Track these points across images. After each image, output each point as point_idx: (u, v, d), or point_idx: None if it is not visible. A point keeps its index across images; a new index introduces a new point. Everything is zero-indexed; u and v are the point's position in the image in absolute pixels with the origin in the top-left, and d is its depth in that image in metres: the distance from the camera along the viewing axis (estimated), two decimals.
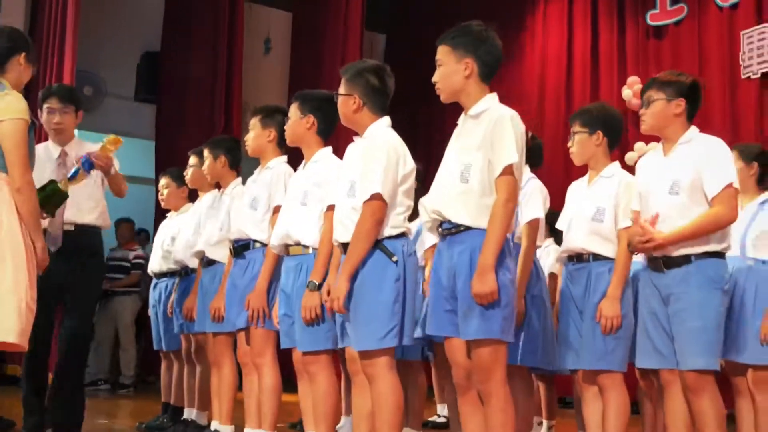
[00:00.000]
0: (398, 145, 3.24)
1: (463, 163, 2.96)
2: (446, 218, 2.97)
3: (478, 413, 2.96)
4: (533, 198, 4.04)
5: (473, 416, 3.00)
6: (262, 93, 9.44)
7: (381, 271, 3.10)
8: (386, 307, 3.08)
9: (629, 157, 7.60)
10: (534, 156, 4.21)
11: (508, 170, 2.91)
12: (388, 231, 3.15)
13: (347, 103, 3.30)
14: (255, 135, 4.07)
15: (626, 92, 8.18)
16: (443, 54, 3.07)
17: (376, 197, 3.09)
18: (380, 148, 3.17)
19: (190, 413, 4.92)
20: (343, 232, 3.18)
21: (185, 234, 4.88)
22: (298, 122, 3.70)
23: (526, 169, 4.16)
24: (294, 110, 3.73)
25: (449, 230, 2.98)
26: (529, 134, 4.19)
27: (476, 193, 2.92)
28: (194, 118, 9.02)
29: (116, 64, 9.75)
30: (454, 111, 3.15)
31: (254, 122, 4.11)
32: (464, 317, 2.90)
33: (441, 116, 9.90)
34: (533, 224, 3.98)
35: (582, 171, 3.99)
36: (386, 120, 3.33)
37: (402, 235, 3.19)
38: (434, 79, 3.08)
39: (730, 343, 3.75)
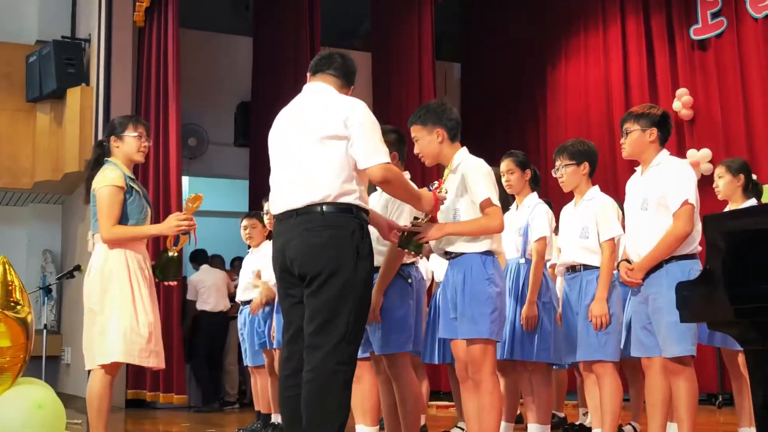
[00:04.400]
0: None
1: (454, 208, 3.67)
2: (446, 249, 3.69)
3: (474, 398, 3.63)
4: (540, 220, 4.72)
5: (470, 400, 3.69)
6: None
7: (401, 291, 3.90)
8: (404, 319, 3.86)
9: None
10: (537, 183, 4.95)
11: (487, 203, 3.56)
12: (406, 258, 3.91)
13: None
14: None
15: (676, 104, 8.69)
16: (417, 131, 3.70)
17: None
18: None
19: (276, 418, 5.78)
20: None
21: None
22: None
23: (534, 195, 4.88)
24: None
25: (451, 256, 3.72)
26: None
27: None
28: None
29: (216, 114, 10.87)
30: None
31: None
32: (459, 321, 3.62)
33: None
34: (541, 242, 4.68)
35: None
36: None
37: (413, 263, 3.97)
38: (416, 151, 3.72)
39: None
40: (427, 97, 9.72)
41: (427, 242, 3.61)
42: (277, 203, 3.30)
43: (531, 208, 4.78)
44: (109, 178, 4.04)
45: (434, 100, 3.81)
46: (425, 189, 3.58)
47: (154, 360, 4.01)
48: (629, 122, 3.95)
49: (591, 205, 4.34)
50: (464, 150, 3.76)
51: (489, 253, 3.63)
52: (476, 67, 11.76)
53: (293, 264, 3.22)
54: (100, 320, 3.98)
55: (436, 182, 3.60)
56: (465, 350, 3.67)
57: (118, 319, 3.95)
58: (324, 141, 3.18)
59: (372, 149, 3.19)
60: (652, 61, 9.03)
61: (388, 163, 3.21)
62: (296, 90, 3.51)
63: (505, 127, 10.95)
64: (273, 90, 10.08)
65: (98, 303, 3.98)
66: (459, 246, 3.64)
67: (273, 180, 3.37)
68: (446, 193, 3.55)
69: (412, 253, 3.64)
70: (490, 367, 3.58)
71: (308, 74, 3.44)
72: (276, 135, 3.39)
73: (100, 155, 4.23)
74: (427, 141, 3.70)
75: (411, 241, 3.55)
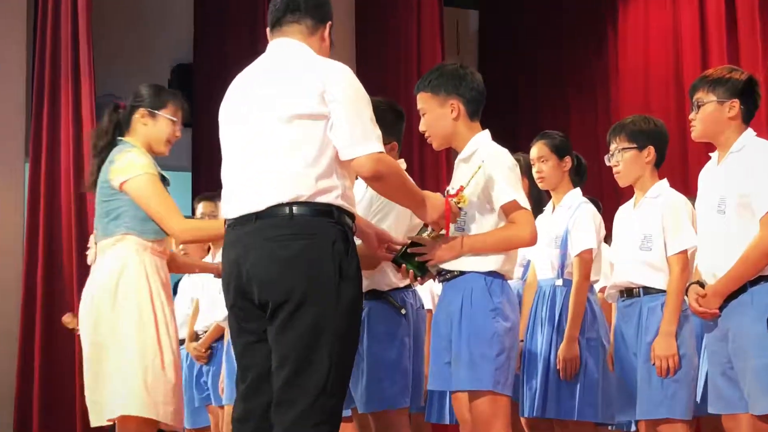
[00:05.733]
0: None
1: (462, 213, 3.65)
2: (442, 265, 3.68)
3: None
4: (584, 225, 4.74)
5: None
6: None
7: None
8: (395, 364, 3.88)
9: None
10: (582, 176, 4.99)
11: (513, 206, 3.62)
12: (393, 281, 3.93)
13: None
14: None
15: None
16: (425, 101, 3.79)
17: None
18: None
19: None
20: None
21: None
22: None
23: (577, 192, 4.91)
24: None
25: (445, 276, 3.71)
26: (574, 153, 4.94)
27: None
28: None
29: (142, 81, 10.78)
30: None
31: None
32: (453, 366, 3.61)
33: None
34: (585, 256, 4.68)
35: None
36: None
37: (408, 287, 3.98)
38: (421, 128, 3.80)
39: None
40: (429, 58, 9.66)
41: (434, 264, 3.65)
42: (232, 204, 3.34)
43: (572, 210, 4.82)
44: (141, 165, 4.14)
45: (451, 63, 3.89)
46: (435, 194, 3.60)
47: (177, 417, 4.09)
48: (702, 90, 3.98)
49: (656, 206, 4.38)
50: (485, 134, 3.81)
51: (496, 274, 3.67)
52: (500, 16, 11.70)
53: (252, 285, 3.23)
54: (112, 356, 4.04)
55: (457, 186, 3.61)
56: (468, 406, 3.68)
57: (137, 356, 4.03)
58: (294, 121, 3.21)
59: (360, 133, 3.22)
60: (733, 7, 8.98)
61: (382, 152, 3.25)
62: (256, 46, 3.48)
63: (536, 99, 10.96)
64: (223, 47, 10.03)
65: (109, 334, 4.06)
66: (456, 263, 3.66)
67: (225, 173, 3.40)
68: (465, 204, 3.57)
69: (414, 275, 3.67)
70: (502, 428, 3.60)
71: (268, 29, 3.50)
72: (229, 112, 3.43)
73: (115, 128, 4.33)
74: (437, 115, 3.76)
75: (412, 259, 3.60)
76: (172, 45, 10.89)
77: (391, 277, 3.98)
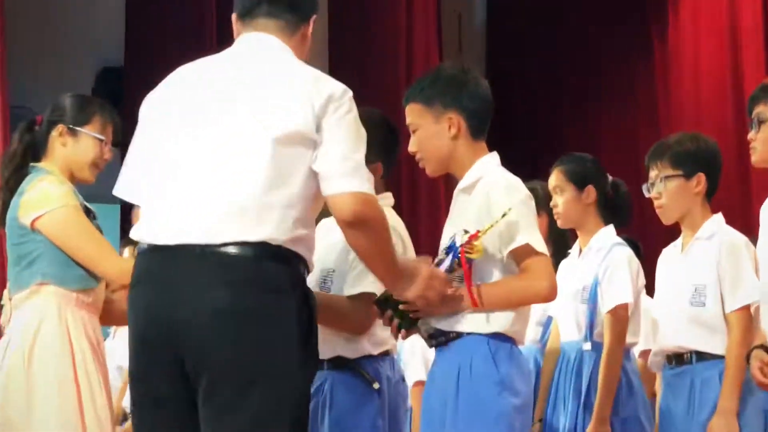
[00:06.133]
0: None
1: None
2: (435, 325, 3.65)
3: None
4: (618, 273, 4.72)
5: None
6: None
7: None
8: None
9: None
10: (620, 210, 4.96)
11: (527, 251, 3.57)
12: (365, 346, 3.89)
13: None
14: None
15: None
16: (416, 115, 3.76)
17: None
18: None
19: None
20: None
21: None
22: None
23: (609, 231, 4.89)
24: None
25: (438, 338, 3.66)
26: (610, 179, 4.94)
27: None
28: None
29: (62, 90, 10.76)
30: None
31: None
32: None
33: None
34: (619, 313, 4.67)
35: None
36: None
37: (386, 354, 3.94)
38: (411, 148, 3.78)
39: None
40: (422, 59, 9.78)
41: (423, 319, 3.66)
42: (165, 225, 3.26)
43: (603, 254, 4.83)
44: (57, 196, 4.14)
45: (450, 64, 3.96)
46: (419, 263, 3.60)
47: None
48: (764, 103, 3.98)
49: (710, 249, 4.40)
50: (492, 157, 3.78)
51: (503, 337, 3.62)
52: (514, 6, 11.75)
53: (181, 343, 3.16)
54: None
55: (471, 230, 3.56)
56: None
57: None
58: (285, 142, 3.22)
59: (352, 167, 3.23)
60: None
61: (371, 194, 3.28)
62: (202, 46, 3.47)
63: (561, 111, 11.03)
64: (162, 47, 10.02)
65: (22, 411, 4.04)
66: (452, 322, 3.63)
67: (158, 182, 3.33)
68: (478, 256, 3.55)
69: (397, 326, 3.64)
70: None
71: (235, 16, 3.51)
72: (180, 107, 3.37)
73: (27, 150, 4.35)
74: (431, 133, 3.74)
75: (396, 307, 3.59)
76: (98, 44, 10.91)
77: (363, 342, 3.93)
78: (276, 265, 3.17)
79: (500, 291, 3.61)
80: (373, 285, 3.74)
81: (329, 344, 3.77)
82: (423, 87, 3.77)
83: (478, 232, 3.53)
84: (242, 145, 3.23)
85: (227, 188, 3.20)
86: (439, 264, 3.57)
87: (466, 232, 3.54)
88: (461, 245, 3.53)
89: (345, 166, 3.21)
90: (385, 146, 4.01)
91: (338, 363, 3.92)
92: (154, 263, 3.25)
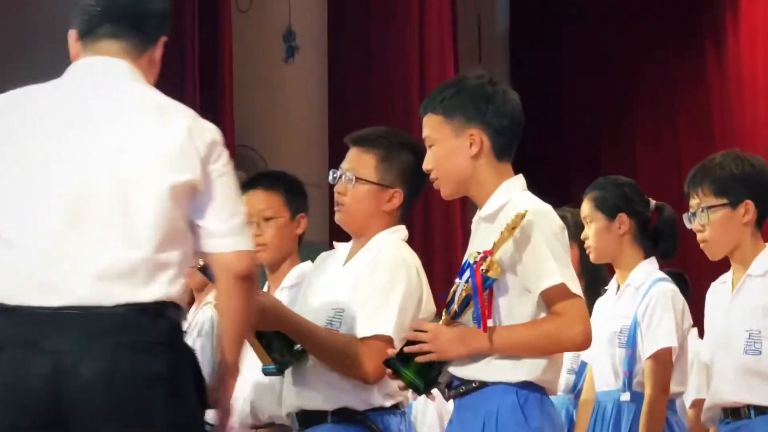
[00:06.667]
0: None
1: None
2: (454, 373, 3.57)
3: None
4: (660, 313, 4.66)
5: None
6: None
7: None
8: None
9: None
10: (665, 239, 4.86)
11: (559, 293, 3.48)
12: (376, 397, 3.83)
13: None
14: None
15: None
16: (433, 127, 3.70)
17: None
18: None
19: None
20: None
21: None
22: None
23: (650, 265, 4.81)
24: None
25: (458, 389, 3.57)
26: (652, 203, 4.81)
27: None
28: None
29: None
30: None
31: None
32: None
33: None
34: (661, 359, 4.60)
35: None
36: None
37: (395, 407, 3.88)
38: (426, 165, 3.72)
39: None
40: (437, 68, 9.70)
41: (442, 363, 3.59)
42: (27, 282, 3.16)
43: (643, 291, 4.77)
44: None
45: (476, 73, 3.85)
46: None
47: None
48: None
49: (764, 288, 4.32)
50: (517, 180, 3.72)
51: (533, 386, 3.54)
52: (541, 7, 11.70)
53: (73, 413, 3.08)
54: None
55: (480, 251, 3.52)
56: None
57: None
58: (167, 189, 3.20)
59: (239, 223, 3.32)
60: None
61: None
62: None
63: (597, 126, 11.01)
64: None
65: None
66: (474, 370, 3.55)
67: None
68: (497, 275, 3.48)
69: (408, 389, 3.63)
70: None
71: (73, 35, 3.41)
72: (23, 145, 3.26)
73: None
74: (449, 149, 3.68)
75: (410, 362, 3.53)
76: None
77: (373, 392, 3.89)
78: (169, 324, 3.21)
79: (529, 334, 3.54)
80: (388, 327, 3.82)
81: (335, 393, 3.82)
82: (444, 96, 3.70)
83: (489, 252, 3.49)
84: (106, 194, 3.19)
85: (107, 245, 3.18)
86: (449, 302, 3.55)
87: (479, 253, 3.51)
88: (476, 262, 3.48)
89: (234, 222, 3.30)
90: (408, 172, 4.07)
91: (345, 415, 3.90)
92: (24, 324, 3.17)
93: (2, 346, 3.14)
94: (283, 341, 3.93)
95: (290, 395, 4.01)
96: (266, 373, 4.02)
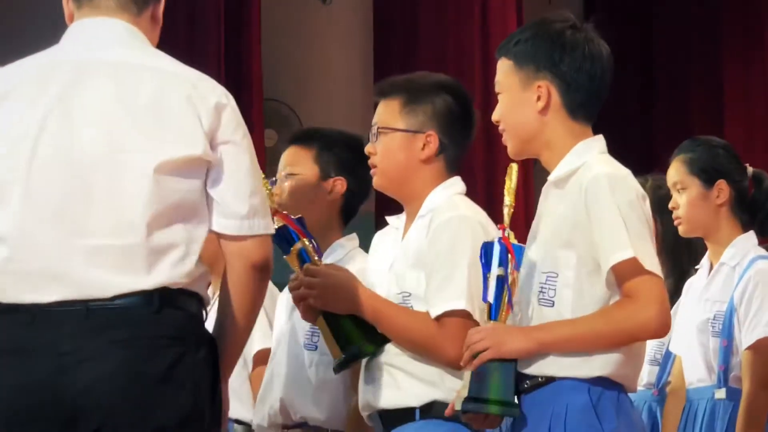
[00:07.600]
0: None
1: (545, 272, 3.57)
2: (518, 368, 3.58)
3: None
4: (762, 297, 4.66)
5: None
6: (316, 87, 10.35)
7: None
8: None
9: None
10: (764, 212, 4.88)
11: (632, 268, 3.46)
12: None
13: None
14: None
15: None
16: (504, 73, 3.72)
17: None
18: None
19: None
20: None
21: None
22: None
23: (748, 240, 4.81)
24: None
25: (522, 386, 3.57)
26: (749, 170, 4.81)
27: (565, 317, 3.54)
28: None
29: None
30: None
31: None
32: None
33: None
34: (763, 349, 4.60)
35: None
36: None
37: None
38: (494, 116, 3.73)
39: None
40: (496, 6, 9.62)
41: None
42: (24, 278, 3.25)
43: (739, 272, 4.82)
44: None
45: (561, 16, 3.82)
46: None
47: None
48: None
49: None
50: (596, 142, 3.71)
51: (609, 383, 3.53)
52: None
53: (81, 417, 3.18)
54: None
55: (558, 242, 3.61)
56: None
57: None
58: (169, 168, 3.28)
59: (260, 202, 3.41)
60: None
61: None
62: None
63: (688, 80, 11.14)
64: None
65: None
66: (540, 365, 3.57)
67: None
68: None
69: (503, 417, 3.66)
70: None
71: None
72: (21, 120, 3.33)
73: None
74: (515, 101, 3.72)
75: (489, 386, 3.58)
76: None
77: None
78: (177, 310, 3.29)
79: (591, 325, 3.55)
80: (460, 300, 3.91)
81: (420, 386, 3.97)
82: (519, 40, 3.71)
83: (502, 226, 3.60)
84: (106, 175, 3.26)
85: (101, 229, 3.24)
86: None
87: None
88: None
89: (254, 202, 3.37)
90: (441, 115, 4.12)
91: (435, 411, 3.95)
92: (25, 325, 3.24)
93: (1, 352, 3.24)
94: (357, 326, 3.98)
95: (367, 394, 4.06)
96: (340, 368, 4.07)
